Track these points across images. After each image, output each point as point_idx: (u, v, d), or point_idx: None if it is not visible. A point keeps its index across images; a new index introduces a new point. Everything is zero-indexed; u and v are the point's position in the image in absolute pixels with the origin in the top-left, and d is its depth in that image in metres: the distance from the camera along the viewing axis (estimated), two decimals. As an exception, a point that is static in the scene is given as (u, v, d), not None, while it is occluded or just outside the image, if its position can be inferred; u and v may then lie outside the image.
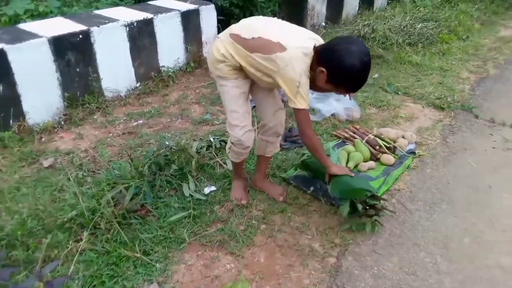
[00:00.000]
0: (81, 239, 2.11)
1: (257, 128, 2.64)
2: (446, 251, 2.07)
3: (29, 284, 1.59)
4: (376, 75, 4.29)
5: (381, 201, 2.22)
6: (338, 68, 1.78)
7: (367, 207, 2.17)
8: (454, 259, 2.03)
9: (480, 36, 5.82)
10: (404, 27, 5.35)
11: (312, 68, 1.86)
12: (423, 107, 3.67)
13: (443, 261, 2.01)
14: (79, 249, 2.06)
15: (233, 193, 2.45)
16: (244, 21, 2.05)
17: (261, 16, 2.10)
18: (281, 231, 2.22)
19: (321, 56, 1.82)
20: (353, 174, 2.23)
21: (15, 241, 2.13)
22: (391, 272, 1.95)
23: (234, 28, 2.00)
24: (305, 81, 1.86)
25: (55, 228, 2.18)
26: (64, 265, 2.00)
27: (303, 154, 2.70)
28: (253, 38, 1.91)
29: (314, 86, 1.95)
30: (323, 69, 1.81)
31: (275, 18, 2.09)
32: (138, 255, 2.03)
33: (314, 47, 1.85)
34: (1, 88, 3.10)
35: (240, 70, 2.03)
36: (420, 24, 5.52)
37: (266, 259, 2.06)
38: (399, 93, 3.92)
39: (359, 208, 2.15)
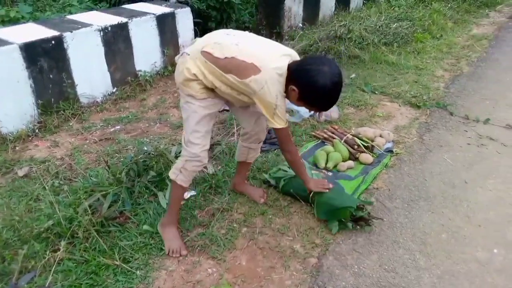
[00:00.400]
0: (59, 249, 2.06)
1: (239, 135, 2.64)
2: (424, 247, 2.11)
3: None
4: (353, 75, 4.35)
5: (366, 210, 2.24)
6: (310, 88, 1.78)
7: (356, 221, 2.21)
8: (432, 254, 2.07)
9: (454, 35, 5.96)
10: (379, 27, 5.44)
11: (286, 85, 1.84)
12: (399, 105, 3.74)
13: (421, 257, 2.05)
14: (57, 259, 2.02)
15: (168, 243, 2.13)
16: (215, 37, 1.93)
17: (232, 31, 1.99)
18: (262, 234, 2.22)
19: (293, 75, 1.80)
20: (331, 185, 2.29)
21: (-11, 253, 2.07)
22: (371, 270, 1.98)
23: (206, 45, 1.88)
24: (281, 102, 1.84)
25: (32, 239, 2.13)
26: (42, 276, 1.95)
27: (281, 180, 2.57)
28: (226, 57, 1.83)
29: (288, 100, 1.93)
30: (294, 87, 1.80)
31: (247, 33, 2.00)
32: (117, 263, 2.00)
33: (288, 65, 1.81)
34: (-28, 96, 3.01)
35: (211, 90, 1.94)
36: (395, 24, 5.62)
37: (248, 262, 2.05)
38: (376, 92, 3.98)
39: (349, 226, 2.20)
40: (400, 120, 3.46)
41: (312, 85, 1.77)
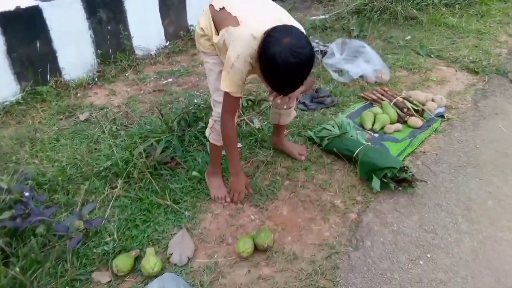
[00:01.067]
0: (116, 186, 2.25)
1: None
2: (468, 212, 2.10)
3: (70, 221, 1.73)
4: (408, 37, 4.18)
5: (410, 172, 2.23)
6: (263, 57, 1.55)
7: (399, 182, 2.22)
8: (475, 220, 2.05)
9: (524, -2, 5.49)
10: (441, -14, 5.11)
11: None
12: (456, 70, 3.58)
13: (464, 221, 2.04)
14: (114, 196, 2.20)
15: (214, 191, 2.21)
16: None
17: None
18: (304, 187, 2.29)
19: (260, 44, 1.58)
20: (251, 190, 2.11)
21: (56, 186, 2.29)
22: (411, 229, 2.00)
23: None
24: (240, 65, 1.65)
25: (92, 176, 2.33)
26: (101, 209, 2.15)
27: (324, 139, 2.56)
28: (219, 9, 1.77)
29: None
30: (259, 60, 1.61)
31: None
32: (168, 203, 2.15)
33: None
34: (39, 44, 3.21)
35: None
36: (459, -16, 5.25)
37: (289, 212, 2.14)
38: (432, 56, 3.82)
39: (391, 187, 2.20)
40: (455, 86, 3.33)
41: (264, 53, 1.53)
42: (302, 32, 1.59)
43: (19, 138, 2.77)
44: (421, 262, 1.83)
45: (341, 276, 1.76)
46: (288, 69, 1.52)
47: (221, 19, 1.76)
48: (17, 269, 1.68)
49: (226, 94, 1.78)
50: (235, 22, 1.68)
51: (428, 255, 1.86)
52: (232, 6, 1.75)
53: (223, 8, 1.75)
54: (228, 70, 1.69)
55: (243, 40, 1.64)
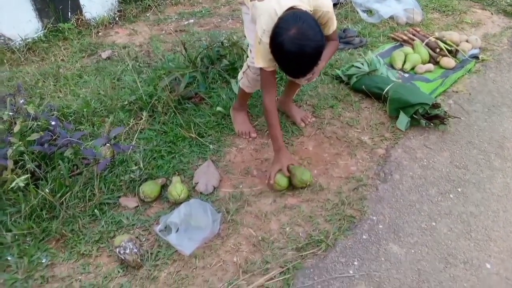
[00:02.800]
0: (141, 119, 2.23)
1: None
2: (501, 150, 2.03)
3: (98, 143, 1.73)
4: (442, -21, 3.94)
5: (442, 109, 2.15)
6: (272, 41, 1.57)
7: (430, 119, 2.14)
8: (509, 158, 1.99)
9: None
10: None
11: None
12: (492, 13, 3.38)
13: (496, 158, 1.98)
14: (139, 128, 2.20)
15: (238, 126, 2.19)
16: None
17: None
18: (330, 124, 2.24)
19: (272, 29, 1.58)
20: (288, 174, 1.84)
21: (81, 118, 2.30)
22: (441, 165, 1.95)
23: None
24: (267, 41, 1.61)
25: (117, 109, 2.32)
26: (126, 141, 2.15)
27: (353, 77, 2.48)
28: None
29: None
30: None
31: None
32: (193, 135, 2.14)
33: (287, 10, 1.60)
34: (59, -21, 3.13)
35: None
36: None
37: (315, 147, 2.11)
38: (467, -2, 3.61)
39: (422, 124, 2.12)
40: (490, 28, 3.16)
41: (273, 37, 1.56)
42: (311, 23, 1.55)
43: (42, 74, 2.77)
44: (451, 196, 1.79)
45: (369, 206, 1.74)
46: (292, 59, 1.55)
47: None
48: (47, 190, 1.71)
49: (261, 70, 1.75)
50: None
51: (459, 189, 1.82)
52: None
53: None
54: (257, 45, 1.68)
55: (268, 15, 1.63)
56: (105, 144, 1.84)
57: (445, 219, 1.68)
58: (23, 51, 3.03)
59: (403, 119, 2.14)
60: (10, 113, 1.91)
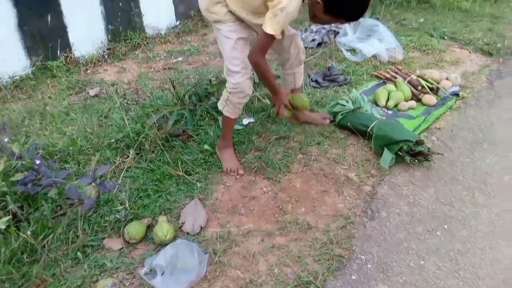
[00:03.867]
0: (128, 157, 2.22)
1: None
2: (485, 186, 2.06)
3: (83, 182, 1.71)
4: (421, 20, 4.12)
5: (426, 146, 2.20)
6: None
7: (414, 155, 2.18)
8: (492, 194, 2.02)
9: (539, -16, 5.40)
10: (455, -29, 5.03)
11: None
12: (470, 52, 3.52)
13: (480, 195, 2.01)
14: (126, 166, 2.18)
15: (226, 164, 2.19)
16: None
17: None
18: (317, 161, 2.26)
19: None
20: (290, 107, 2.12)
21: (66, 157, 2.28)
22: (427, 201, 1.97)
23: None
24: (292, 8, 1.71)
25: (104, 147, 2.31)
26: (112, 179, 2.13)
27: (338, 114, 2.54)
28: None
29: (313, 17, 1.82)
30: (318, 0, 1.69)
31: None
32: (180, 173, 2.13)
33: None
34: (50, 18, 3.19)
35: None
36: (473, -31, 5.16)
37: (302, 184, 2.11)
38: (445, 38, 3.76)
39: (407, 160, 2.16)
40: (469, 66, 3.28)
41: None
42: None
43: (28, 111, 2.76)
44: (438, 233, 1.79)
45: (357, 245, 1.73)
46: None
47: None
48: (29, 232, 1.67)
49: (267, 36, 1.77)
50: None
51: (445, 226, 1.83)
52: None
53: None
54: (276, 13, 1.71)
55: None
56: (90, 183, 1.82)
57: (433, 257, 1.68)
58: (10, 88, 3.03)
59: (387, 157, 2.17)
60: (-6, 153, 1.89)
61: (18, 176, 1.71)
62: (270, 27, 1.74)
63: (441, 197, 1.99)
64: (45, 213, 1.74)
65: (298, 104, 2.16)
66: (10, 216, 1.67)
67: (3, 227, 1.63)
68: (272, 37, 1.77)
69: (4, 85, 3.02)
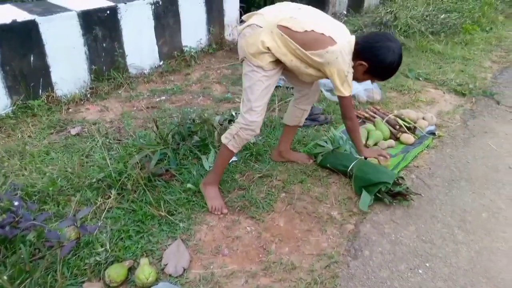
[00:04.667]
0: (109, 197, 2.20)
1: (279, 110, 2.71)
2: (464, 224, 2.10)
3: (64, 225, 1.68)
4: (397, 61, 4.30)
5: (405, 185, 2.26)
6: (380, 64, 1.95)
7: (394, 196, 2.23)
8: (471, 231, 2.06)
9: (504, 28, 5.76)
10: (426, 16, 5.33)
11: (352, 59, 1.99)
12: (444, 92, 3.68)
13: (460, 232, 2.05)
14: (107, 207, 2.15)
15: (211, 201, 2.22)
16: (289, 11, 2.00)
17: (299, 5, 2.06)
18: (300, 200, 2.28)
19: (363, 51, 1.96)
20: (388, 157, 2.43)
21: (46, 197, 2.23)
22: (409, 239, 2.00)
23: (282, 20, 1.95)
24: (351, 71, 2.00)
25: (85, 187, 2.28)
26: (93, 220, 2.09)
27: (318, 155, 2.61)
28: (305, 31, 1.92)
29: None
30: (363, 62, 1.96)
31: (309, 7, 2.08)
32: (163, 214, 2.11)
33: (356, 40, 1.99)
34: (32, 58, 3.21)
35: (279, 62, 2.03)
36: (443, 15, 5.49)
37: (286, 224, 2.12)
38: (420, 79, 3.93)
39: (386, 201, 2.22)
40: (443, 106, 3.41)
41: (382, 61, 1.93)
42: (388, 33, 2.25)
43: (7, 151, 2.72)
44: (420, 271, 1.81)
45: (341, 284, 1.73)
46: (399, 63, 1.98)
47: (310, 39, 1.93)
48: (5, 277, 1.61)
49: (347, 98, 2.08)
50: (331, 41, 1.92)
51: (427, 264, 1.85)
52: (319, 28, 1.94)
53: (312, 30, 1.92)
54: (344, 79, 1.99)
55: (346, 52, 1.95)
56: (70, 225, 1.78)
57: (417, 296, 1.69)
58: (-12, 128, 2.99)
59: (365, 200, 2.20)
60: (-29, 195, 1.84)
61: (-3, 219, 1.67)
62: (345, 91, 2.02)
63: (422, 235, 2.02)
64: (22, 256, 1.69)
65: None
66: (-14, 261, 1.61)
67: (-22, 272, 1.57)
68: (349, 96, 2.08)
69: (-18, 125, 2.98)
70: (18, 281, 1.65)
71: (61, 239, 1.75)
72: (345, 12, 5.96)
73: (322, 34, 1.91)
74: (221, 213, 2.18)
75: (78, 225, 1.72)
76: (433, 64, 4.33)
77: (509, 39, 5.36)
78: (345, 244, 1.97)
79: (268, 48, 1.98)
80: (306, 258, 1.88)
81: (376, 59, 1.94)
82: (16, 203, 1.89)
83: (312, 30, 1.92)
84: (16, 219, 1.81)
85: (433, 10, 5.61)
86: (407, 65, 4.21)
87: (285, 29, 1.94)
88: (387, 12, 5.08)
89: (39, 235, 1.78)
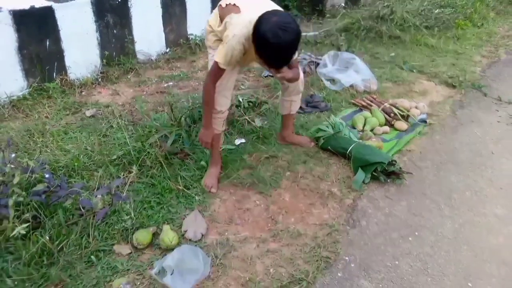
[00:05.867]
0: (130, 173, 2.41)
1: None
2: (449, 201, 2.36)
3: (100, 193, 1.90)
4: (392, 54, 4.53)
5: (398, 165, 2.49)
6: (255, 36, 1.81)
7: (388, 175, 2.47)
8: (455, 206, 2.31)
9: (495, 25, 5.99)
10: (421, 11, 5.54)
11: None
12: (435, 84, 3.92)
13: (446, 207, 2.30)
14: (129, 181, 2.36)
15: (206, 178, 2.40)
16: None
17: None
18: (304, 178, 2.51)
19: (253, 29, 1.84)
20: (209, 147, 2.37)
21: (71, 172, 2.44)
22: (400, 212, 2.25)
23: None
24: (233, 44, 1.90)
25: (106, 163, 2.49)
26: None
27: (320, 138, 2.80)
28: (226, 5, 2.05)
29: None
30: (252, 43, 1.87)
31: None
32: (180, 187, 2.33)
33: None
34: (48, 43, 3.37)
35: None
36: (437, 10, 5.70)
37: (291, 198, 2.35)
38: (414, 71, 4.16)
39: (381, 179, 2.45)
40: (435, 97, 3.66)
41: (256, 32, 1.79)
42: (289, 14, 1.87)
43: (27, 130, 2.90)
44: (410, 239, 2.06)
45: (341, 248, 1.98)
46: (279, 42, 1.76)
47: (227, 11, 2.02)
48: (47, 237, 1.83)
49: (215, 63, 2.02)
50: (237, 10, 1.97)
51: (416, 233, 2.10)
52: (239, 0, 2.03)
53: (229, 3, 2.02)
54: (224, 45, 1.95)
55: (240, 23, 1.91)
56: (106, 194, 2.00)
57: (406, 258, 1.94)
58: (7, 107, 3.16)
59: (358, 179, 2.43)
60: (12, 166, 2.04)
61: (39, 187, 1.88)
62: (217, 55, 2.01)
63: (413, 209, 2.28)
64: (60, 220, 1.90)
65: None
66: (30, 223, 1.82)
67: (24, 232, 1.78)
68: (218, 66, 2.01)
69: (1, 104, 3.16)
70: (57, 242, 1.87)
71: (93, 206, 1.97)
72: (343, 5, 6.16)
73: (234, 5, 2.00)
74: (209, 191, 2.36)
75: (113, 193, 1.94)
76: (426, 57, 4.56)
77: (498, 34, 5.60)
78: (344, 216, 2.21)
79: (210, 26, 2.16)
80: (310, 227, 2.12)
81: (254, 32, 1.81)
82: (47, 176, 2.11)
83: (230, 3, 2.02)
84: (51, 188, 2.02)
85: (428, 5, 5.82)
86: (402, 58, 4.44)
87: (219, 6, 2.14)
88: (384, 6, 5.27)
89: (72, 203, 1.99)
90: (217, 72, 2.07)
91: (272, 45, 1.78)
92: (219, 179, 2.45)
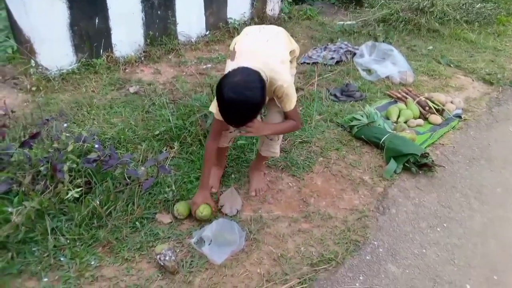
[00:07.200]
0: (171, 148, 2.55)
1: (317, 85, 2.96)
2: (480, 195, 2.39)
3: (148, 165, 2.04)
4: (430, 47, 4.50)
5: (430, 158, 2.53)
6: (217, 85, 1.73)
7: (420, 167, 2.52)
8: (485, 201, 2.35)
9: (539, 22, 5.81)
10: (463, 5, 5.44)
11: None
12: (473, 80, 3.89)
13: (475, 202, 2.34)
14: (171, 156, 2.51)
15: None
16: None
17: (263, 29, 2.12)
18: (336, 164, 2.59)
19: None
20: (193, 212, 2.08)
21: (116, 144, 2.60)
22: (430, 203, 2.30)
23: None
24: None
25: (150, 138, 2.64)
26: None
27: (354, 127, 2.86)
28: (233, 48, 2.01)
29: None
30: None
31: (275, 29, 2.13)
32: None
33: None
34: (97, 21, 3.53)
35: None
36: (479, 4, 5.58)
37: (322, 183, 2.44)
38: (451, 65, 4.13)
39: (413, 171, 2.50)
40: (471, 93, 3.64)
41: (217, 85, 1.72)
42: (256, 80, 1.70)
43: (75, 102, 3.08)
44: (438, 229, 2.13)
45: (371, 233, 2.06)
46: (226, 103, 1.68)
47: (231, 54, 1.99)
48: (98, 202, 1.99)
49: (213, 117, 2.02)
50: (233, 57, 1.93)
51: (445, 224, 2.16)
52: (241, 41, 1.99)
53: (234, 47, 2.00)
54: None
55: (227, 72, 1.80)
56: (153, 165, 2.14)
57: (433, 247, 2.01)
58: (57, 80, 3.35)
59: (390, 168, 2.49)
60: (66, 135, 2.21)
61: (93, 155, 2.04)
62: (212, 106, 1.96)
63: (442, 201, 2.33)
64: (109, 188, 2.06)
65: (206, 213, 2.06)
66: (82, 188, 1.99)
67: (77, 196, 1.95)
68: (216, 119, 1.98)
69: (52, 77, 3.35)
70: (106, 207, 2.03)
71: (139, 176, 2.12)
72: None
73: (233, 49, 1.97)
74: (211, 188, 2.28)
75: (159, 165, 2.08)
76: (464, 52, 4.51)
77: (542, 32, 5.45)
78: (374, 203, 2.29)
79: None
80: (340, 211, 2.21)
81: (219, 80, 1.72)
82: (96, 146, 2.26)
83: (233, 48, 1.98)
84: (101, 158, 2.18)
85: (470, -1, 5.70)
86: (439, 52, 4.41)
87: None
88: (425, -2, 5.20)
89: (120, 172, 2.15)
90: (216, 125, 2.04)
91: (218, 99, 1.72)
92: (220, 181, 2.42)
